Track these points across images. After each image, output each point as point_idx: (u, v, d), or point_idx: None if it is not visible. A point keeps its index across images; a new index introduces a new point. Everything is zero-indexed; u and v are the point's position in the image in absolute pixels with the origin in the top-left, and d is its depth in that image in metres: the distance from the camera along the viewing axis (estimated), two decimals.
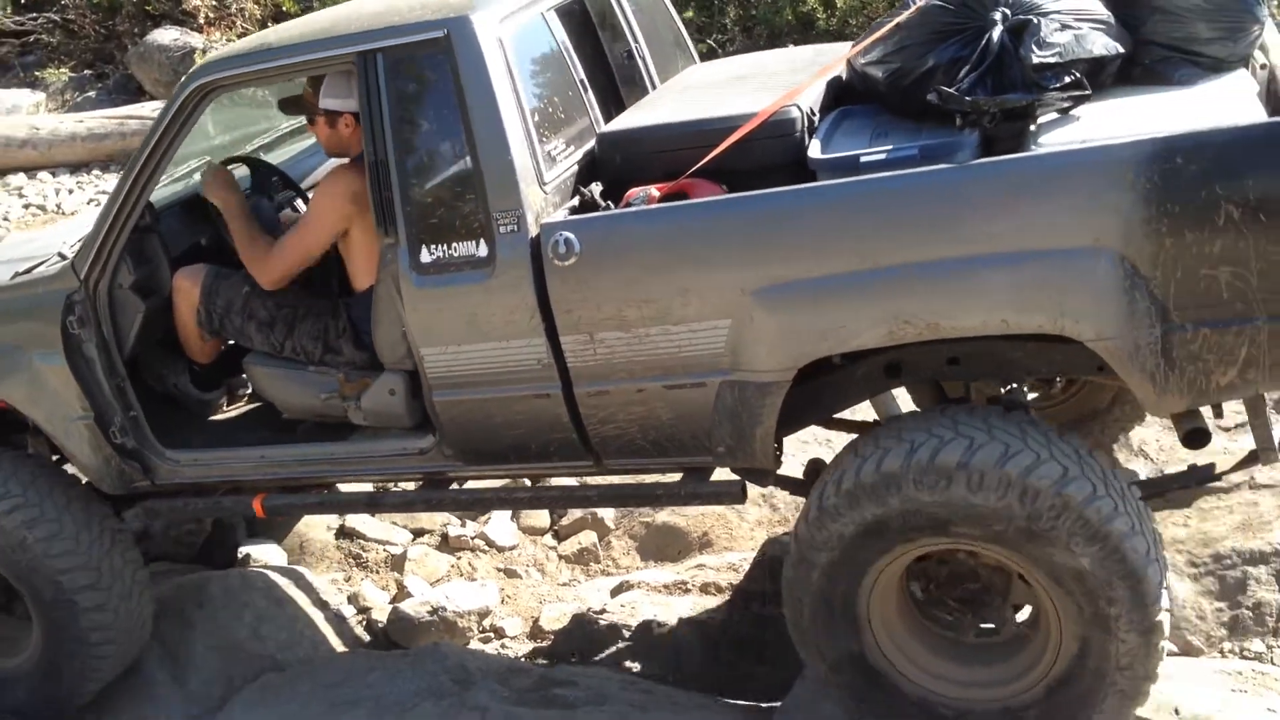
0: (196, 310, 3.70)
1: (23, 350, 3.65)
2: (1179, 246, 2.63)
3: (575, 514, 5.28)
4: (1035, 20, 2.99)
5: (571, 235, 3.00)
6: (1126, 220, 2.64)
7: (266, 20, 8.71)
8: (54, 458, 4.03)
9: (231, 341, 3.89)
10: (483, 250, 3.09)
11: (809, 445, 4.77)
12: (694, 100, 3.51)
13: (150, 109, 8.09)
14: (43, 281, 3.66)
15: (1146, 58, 3.15)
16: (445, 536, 5.17)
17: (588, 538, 5.20)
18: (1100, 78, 3.03)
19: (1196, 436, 3.03)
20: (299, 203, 4.11)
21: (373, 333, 3.43)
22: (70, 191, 8.17)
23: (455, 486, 3.70)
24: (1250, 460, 3.24)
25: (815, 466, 3.49)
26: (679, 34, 4.23)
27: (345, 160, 3.60)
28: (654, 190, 3.11)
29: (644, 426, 3.16)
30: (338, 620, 4.60)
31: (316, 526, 5.21)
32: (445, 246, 3.13)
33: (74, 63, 9.42)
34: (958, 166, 2.82)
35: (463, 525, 5.26)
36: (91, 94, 9.19)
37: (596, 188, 3.23)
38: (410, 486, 3.94)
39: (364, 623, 4.63)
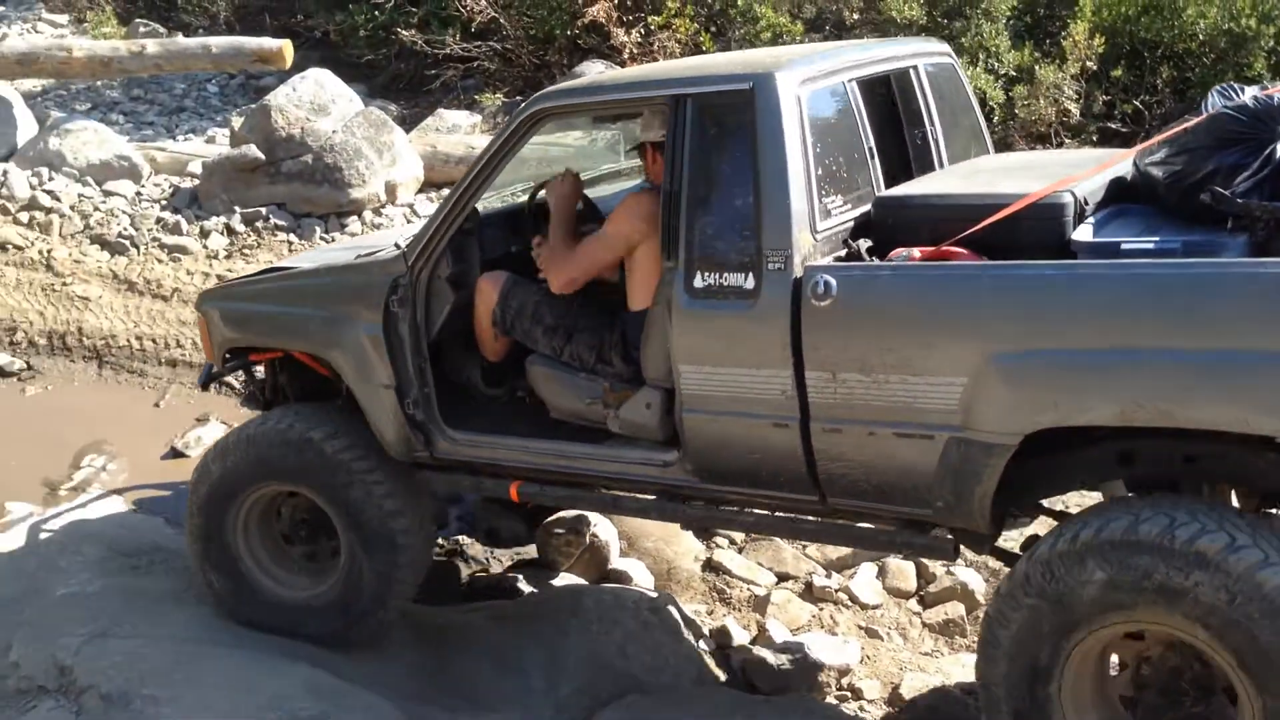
0: (493, 310, 4.07)
1: (353, 321, 4.12)
2: None
3: (944, 582, 5.11)
4: None
5: (831, 279, 3.22)
6: None
7: (686, 57, 9.06)
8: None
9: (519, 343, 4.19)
10: (750, 283, 3.34)
11: None
12: (972, 179, 3.73)
13: (571, 138, 8.59)
14: (378, 265, 4.15)
15: None
16: (809, 585, 5.15)
17: (955, 609, 5.02)
18: None
19: None
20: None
21: (641, 349, 3.72)
22: None
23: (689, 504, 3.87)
24: None
25: (1032, 542, 3.45)
26: (978, 126, 4.41)
27: (646, 186, 3.97)
28: (916, 252, 3.26)
29: (870, 469, 3.30)
30: (699, 653, 4.67)
31: (685, 555, 5.33)
32: (717, 275, 3.40)
33: (507, 89, 10.17)
34: (1215, 261, 2.92)
35: (828, 576, 5.21)
36: None
37: (864, 243, 3.41)
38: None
39: (724, 659, 4.67)
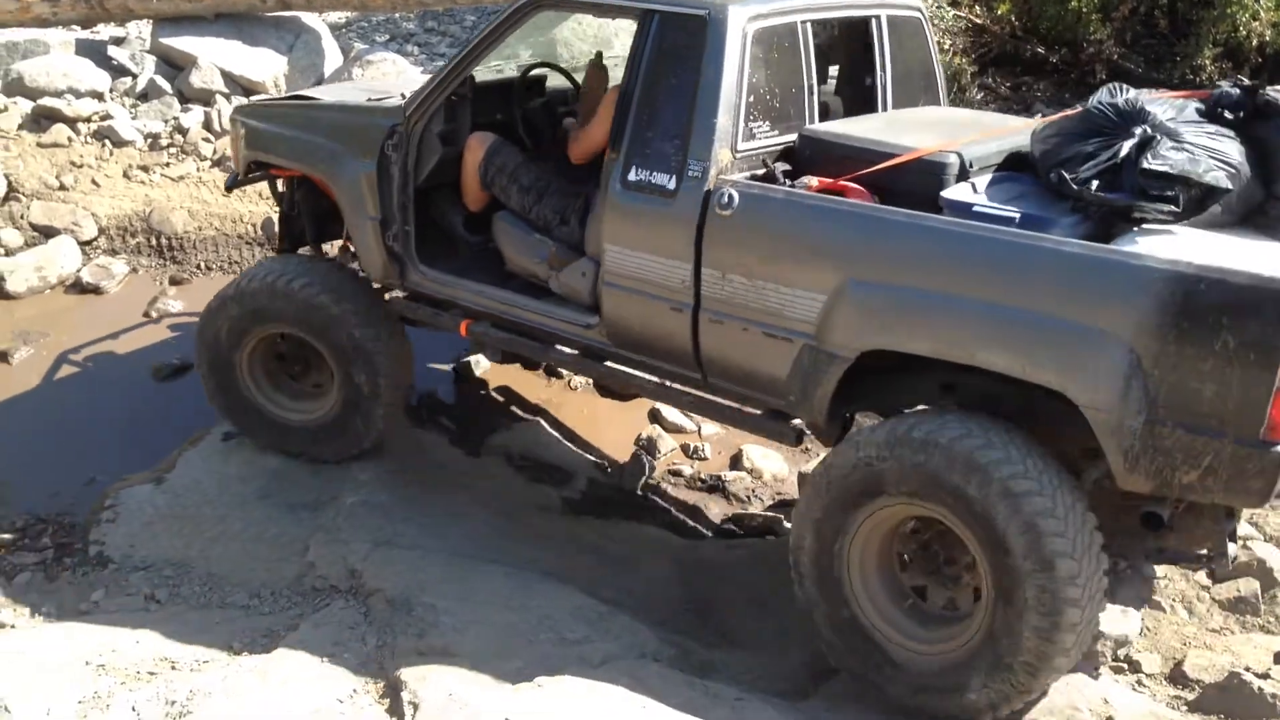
0: (479, 165, 4.67)
1: (353, 156, 4.70)
2: (1179, 356, 3.10)
3: (1240, 557, 4.74)
4: (1160, 138, 3.46)
5: (735, 193, 3.76)
6: (1143, 320, 3.12)
7: None
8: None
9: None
10: (671, 184, 3.87)
11: None
12: (889, 129, 4.08)
13: None
14: (381, 111, 4.75)
15: (1275, 211, 3.65)
16: None
17: (1249, 585, 4.65)
18: (1206, 204, 3.47)
19: (1150, 519, 3.45)
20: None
21: (588, 224, 4.28)
22: None
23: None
24: (1199, 561, 3.86)
25: None
26: (933, 79, 4.81)
27: None
28: (814, 181, 3.79)
29: (740, 359, 3.87)
30: None
31: None
32: (648, 172, 3.92)
33: None
34: (1027, 234, 3.33)
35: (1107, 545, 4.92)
36: None
37: (782, 166, 3.93)
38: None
39: None
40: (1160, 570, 4.80)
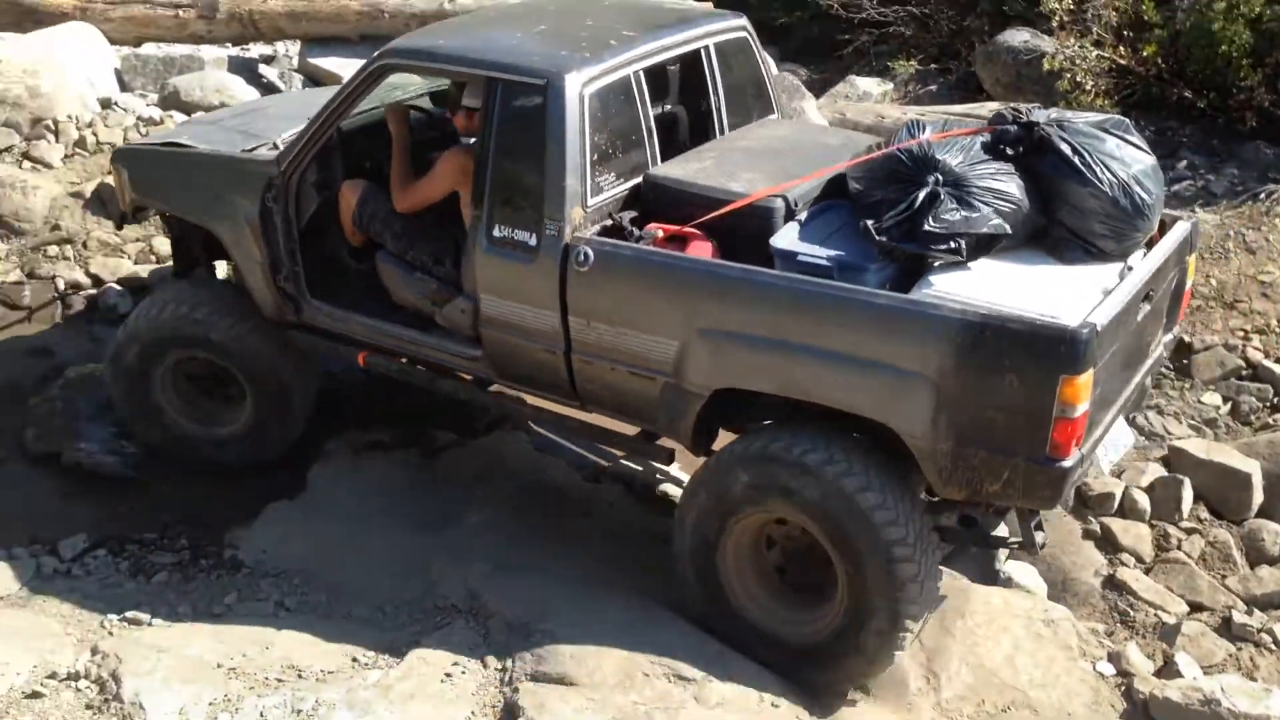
0: (353, 212, 4.86)
1: (236, 205, 4.90)
2: (975, 390, 3.55)
3: None
4: (942, 196, 3.78)
5: (589, 250, 4.08)
6: (943, 362, 3.55)
7: (1123, 28, 8.39)
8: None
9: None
10: (533, 241, 4.17)
11: None
12: (724, 165, 4.38)
13: (988, 109, 8.18)
14: (256, 164, 4.91)
15: (1055, 234, 3.93)
16: (1227, 620, 4.70)
17: None
18: (991, 246, 3.82)
19: (966, 520, 4.07)
20: None
21: (463, 265, 4.50)
22: None
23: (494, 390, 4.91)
24: (1016, 547, 4.33)
25: None
26: (763, 86, 5.07)
27: (469, 141, 4.63)
28: (659, 231, 4.11)
29: (613, 392, 4.27)
30: (1095, 676, 4.38)
31: (1083, 568, 5.01)
32: (510, 229, 4.22)
33: (922, 55, 9.85)
34: (843, 286, 3.76)
35: (1249, 613, 4.73)
36: (933, 88, 9.58)
37: (628, 215, 4.22)
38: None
39: (1122, 688, 4.35)
40: None
